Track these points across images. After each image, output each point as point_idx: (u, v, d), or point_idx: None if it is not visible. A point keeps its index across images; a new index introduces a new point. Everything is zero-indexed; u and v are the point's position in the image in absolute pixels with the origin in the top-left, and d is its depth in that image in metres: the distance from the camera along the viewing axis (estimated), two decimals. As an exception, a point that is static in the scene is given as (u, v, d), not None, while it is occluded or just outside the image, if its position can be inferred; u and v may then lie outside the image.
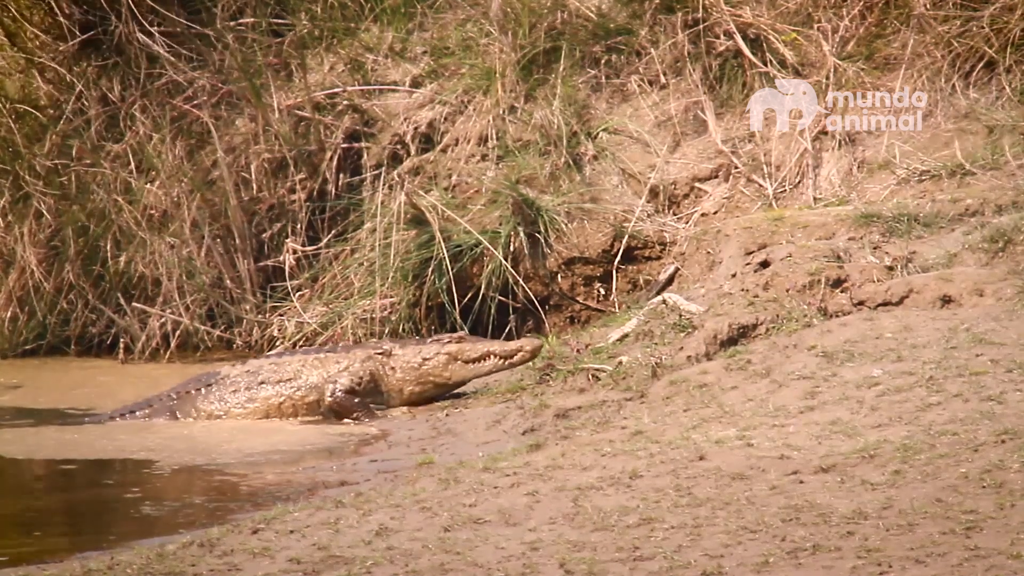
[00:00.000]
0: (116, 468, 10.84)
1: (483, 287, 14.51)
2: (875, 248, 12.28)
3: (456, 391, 12.71)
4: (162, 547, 7.74)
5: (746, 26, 14.88)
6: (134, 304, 15.55)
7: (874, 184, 14.15)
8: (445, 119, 15.50)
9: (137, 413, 12.48)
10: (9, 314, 15.72)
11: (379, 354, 12.56)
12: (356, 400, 12.36)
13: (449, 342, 12.58)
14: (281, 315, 15.40)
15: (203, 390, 12.50)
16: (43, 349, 15.77)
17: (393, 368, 12.51)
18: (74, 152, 15.75)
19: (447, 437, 11.18)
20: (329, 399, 12.39)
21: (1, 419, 12.82)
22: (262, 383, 12.48)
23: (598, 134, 15.08)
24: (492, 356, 12.48)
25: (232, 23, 15.91)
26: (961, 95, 14.33)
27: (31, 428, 12.38)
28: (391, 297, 14.84)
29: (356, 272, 15.19)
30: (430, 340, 12.68)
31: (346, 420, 12.30)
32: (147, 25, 15.72)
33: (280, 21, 16.09)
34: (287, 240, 15.60)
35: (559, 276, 14.63)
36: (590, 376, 11.71)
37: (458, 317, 14.45)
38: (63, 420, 12.70)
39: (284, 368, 12.53)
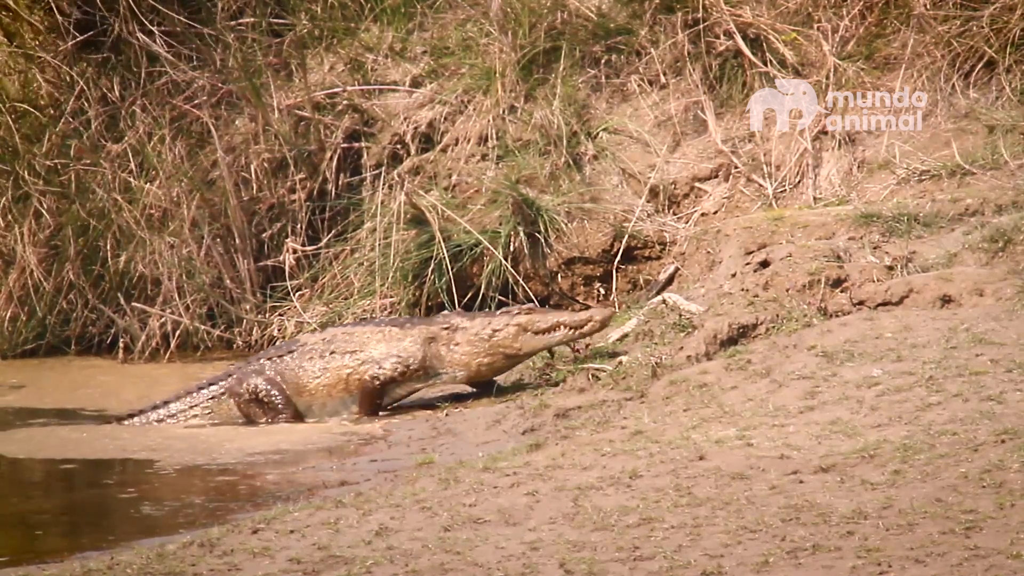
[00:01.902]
0: (117, 468, 10.84)
1: (483, 287, 14.51)
2: (875, 248, 12.28)
3: (457, 391, 12.69)
4: (162, 547, 7.74)
5: (746, 26, 14.88)
6: (134, 304, 15.55)
7: (874, 184, 14.15)
8: (445, 119, 15.50)
9: (216, 386, 12.42)
10: (9, 314, 15.72)
11: (444, 329, 12.43)
12: (382, 400, 12.26)
13: (519, 313, 12.40)
14: (281, 315, 15.41)
15: (285, 356, 12.44)
16: (43, 349, 15.77)
17: (459, 343, 12.39)
18: (73, 151, 15.74)
19: (447, 437, 11.18)
20: (367, 379, 12.27)
21: (15, 419, 12.83)
22: (334, 352, 12.38)
23: (598, 134, 15.08)
24: (562, 327, 12.27)
25: (232, 23, 15.91)
26: (961, 95, 14.34)
27: (62, 427, 12.38)
28: (391, 297, 14.84)
29: (356, 272, 15.19)
30: (498, 312, 12.56)
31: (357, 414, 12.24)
32: (147, 24, 15.72)
33: (280, 21, 16.09)
34: (287, 240, 15.60)
35: (559, 276, 14.63)
36: (590, 376, 11.71)
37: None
38: (91, 420, 12.68)
39: (354, 338, 12.40)
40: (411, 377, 12.34)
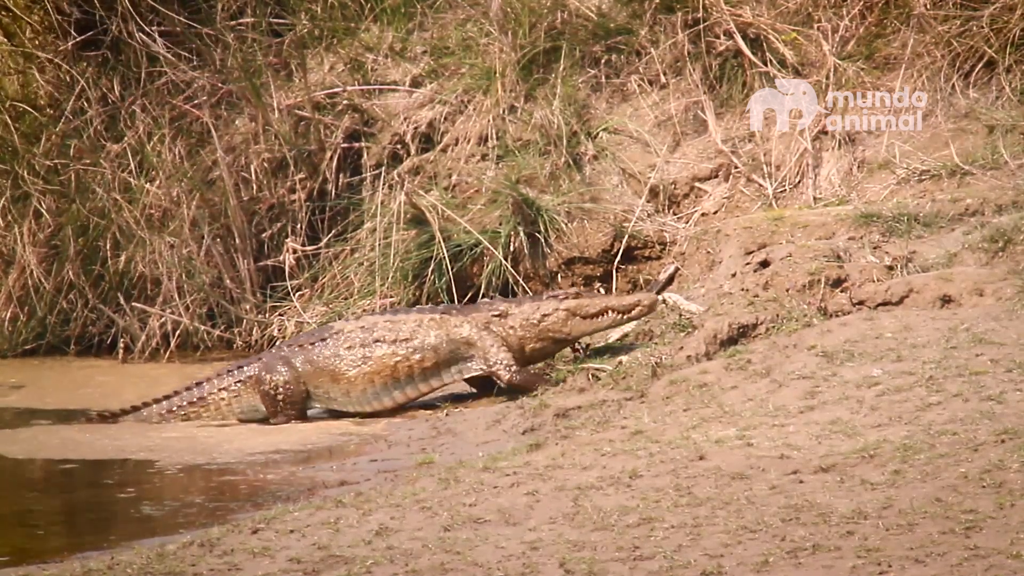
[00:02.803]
0: (116, 468, 10.84)
1: (483, 287, 14.51)
2: (875, 248, 12.28)
3: (457, 391, 12.69)
4: (162, 547, 7.74)
5: (746, 26, 14.88)
6: (134, 304, 15.55)
7: (874, 184, 14.15)
8: (445, 119, 15.50)
9: (247, 369, 12.43)
10: (9, 314, 15.72)
11: (495, 315, 12.41)
12: (532, 373, 12.24)
13: (566, 298, 12.39)
14: (281, 315, 15.41)
15: (318, 344, 12.43)
16: (43, 349, 15.77)
17: (512, 327, 12.40)
18: (73, 151, 15.74)
19: (447, 437, 11.18)
20: (508, 380, 12.17)
21: (15, 419, 12.83)
22: (377, 341, 12.37)
23: (598, 134, 15.08)
24: (610, 311, 12.28)
25: (232, 23, 15.91)
26: (961, 95, 14.34)
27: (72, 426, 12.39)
28: (391, 297, 14.84)
29: (356, 272, 15.19)
30: (546, 296, 12.56)
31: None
32: (147, 24, 15.72)
33: (280, 21, 16.09)
34: (287, 240, 15.60)
35: (559, 276, 14.63)
36: (590, 376, 11.71)
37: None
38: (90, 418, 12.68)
39: (400, 326, 12.36)
40: (511, 348, 12.31)
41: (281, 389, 12.32)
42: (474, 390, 12.65)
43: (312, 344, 12.40)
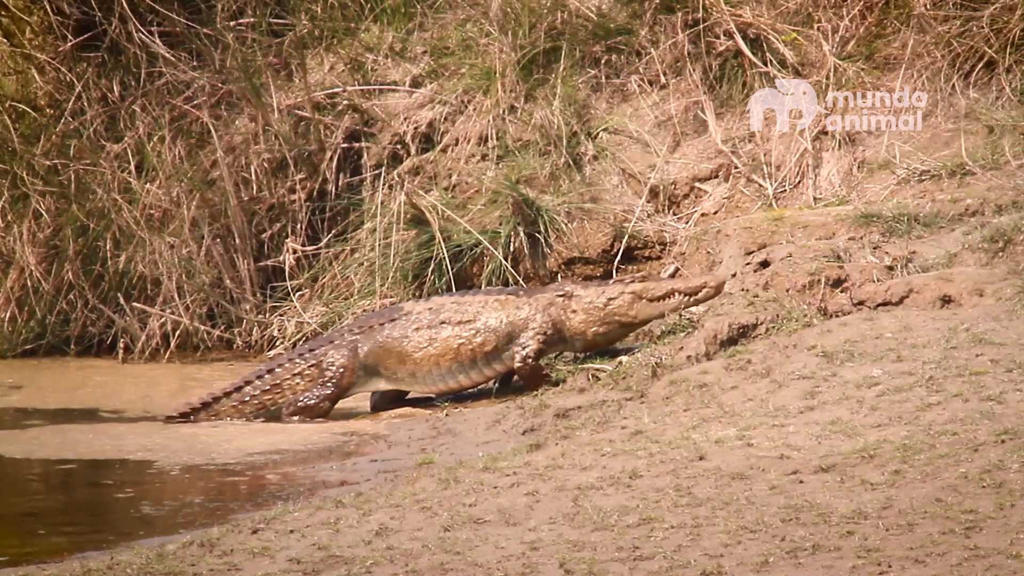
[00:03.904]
0: (116, 468, 10.84)
1: (483, 287, 14.50)
2: (875, 248, 12.28)
3: (458, 392, 12.67)
4: (162, 547, 7.74)
5: (746, 26, 14.88)
6: (134, 304, 15.55)
7: (874, 184, 14.15)
8: (445, 119, 15.50)
9: (317, 351, 12.39)
10: (8, 314, 15.72)
11: (560, 296, 12.30)
12: (543, 372, 12.18)
13: (632, 281, 12.29)
14: (281, 315, 15.40)
15: (387, 324, 12.39)
16: (42, 349, 15.76)
17: (575, 311, 12.25)
18: (72, 151, 15.74)
19: (447, 437, 11.18)
20: (519, 364, 12.20)
21: (15, 419, 12.83)
22: (443, 323, 12.29)
23: (598, 134, 15.08)
24: (677, 293, 12.13)
25: (232, 23, 15.91)
26: (961, 95, 14.34)
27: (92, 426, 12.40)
28: (391, 297, 14.84)
29: (356, 272, 15.19)
30: (612, 280, 12.48)
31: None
32: (146, 25, 15.72)
33: (280, 21, 16.09)
34: (287, 240, 15.60)
35: (559, 276, 14.63)
36: (590, 376, 11.71)
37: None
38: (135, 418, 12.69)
39: (465, 308, 12.28)
40: (552, 342, 12.26)
41: (327, 365, 12.26)
42: (474, 389, 12.62)
43: (381, 325, 12.34)
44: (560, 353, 12.54)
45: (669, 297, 12.16)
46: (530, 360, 12.13)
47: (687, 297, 12.13)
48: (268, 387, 12.40)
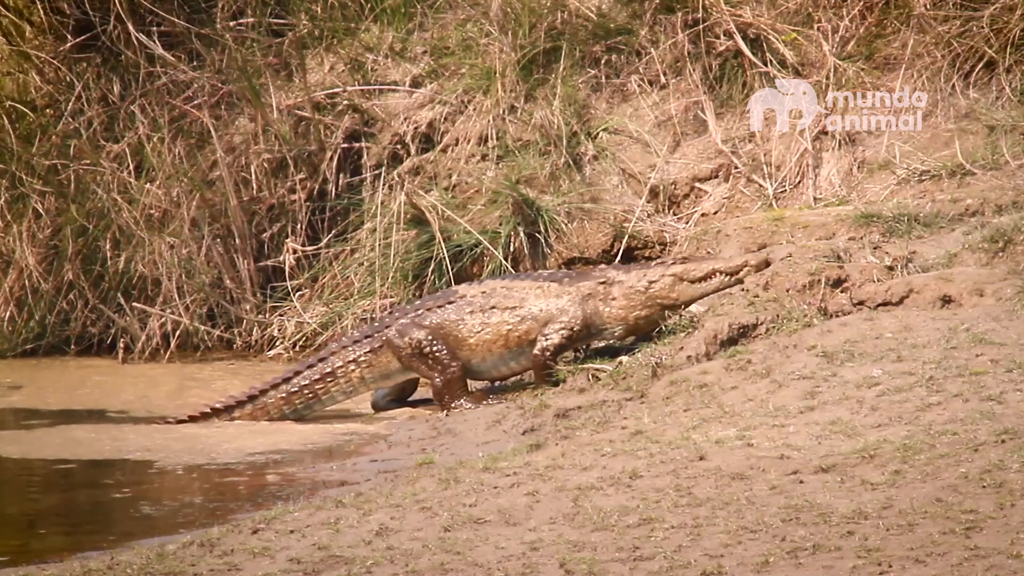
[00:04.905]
0: (116, 468, 10.84)
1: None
2: (875, 248, 12.27)
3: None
4: (162, 547, 7.74)
5: (746, 26, 14.88)
6: (134, 304, 15.55)
7: (874, 184, 14.15)
8: (445, 119, 15.50)
9: (376, 337, 12.32)
10: (8, 314, 15.72)
11: (601, 283, 12.23)
12: (555, 364, 12.11)
13: (673, 263, 12.22)
14: (281, 315, 15.41)
15: (444, 307, 12.32)
16: (42, 349, 15.76)
17: (615, 297, 12.20)
18: (71, 151, 15.74)
19: (447, 437, 11.18)
20: (536, 352, 12.16)
21: (15, 419, 12.83)
22: (494, 308, 12.22)
23: (598, 134, 15.08)
24: (718, 274, 12.07)
25: (232, 23, 15.91)
26: (961, 95, 14.34)
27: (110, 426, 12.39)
28: (391, 297, 14.84)
29: (356, 272, 15.19)
30: (653, 263, 12.40)
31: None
32: (146, 25, 15.72)
33: (280, 21, 16.09)
34: (287, 240, 15.60)
35: (559, 276, 14.63)
36: (590, 376, 11.71)
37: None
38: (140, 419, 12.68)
39: (513, 293, 12.24)
40: (577, 338, 12.22)
41: (425, 344, 12.18)
42: (475, 388, 12.62)
43: (439, 307, 12.29)
44: (587, 347, 12.51)
45: (711, 277, 12.12)
46: (548, 353, 12.09)
47: (728, 277, 12.10)
48: (319, 376, 12.33)
